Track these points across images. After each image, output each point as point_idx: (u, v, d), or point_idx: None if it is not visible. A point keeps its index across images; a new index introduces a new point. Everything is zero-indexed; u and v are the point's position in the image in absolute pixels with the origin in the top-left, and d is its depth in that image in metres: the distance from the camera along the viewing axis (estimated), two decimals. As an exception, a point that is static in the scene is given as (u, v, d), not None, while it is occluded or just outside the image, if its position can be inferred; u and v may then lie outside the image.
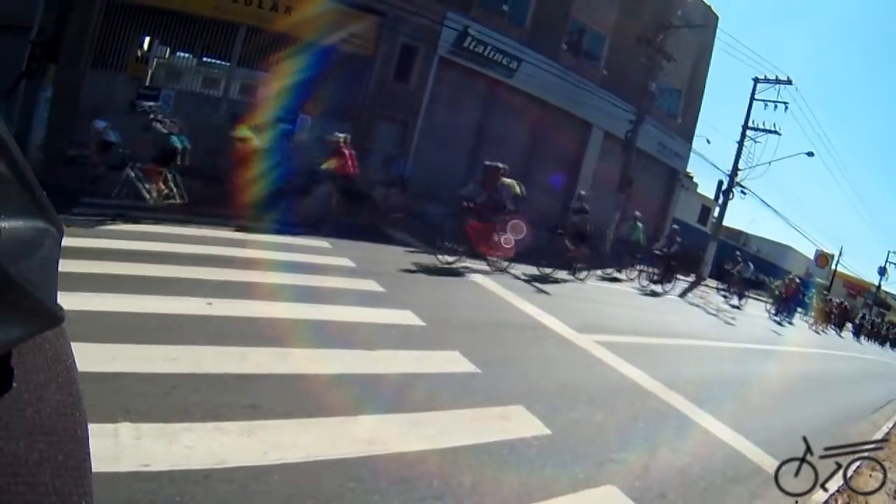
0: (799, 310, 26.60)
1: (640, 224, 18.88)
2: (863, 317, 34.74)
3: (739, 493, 4.69)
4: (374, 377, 4.88)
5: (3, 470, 0.41)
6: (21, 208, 0.43)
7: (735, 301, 21.32)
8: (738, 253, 23.85)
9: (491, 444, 4.11)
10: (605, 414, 5.51)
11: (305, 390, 4.24)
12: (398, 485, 3.33)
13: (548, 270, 13.10)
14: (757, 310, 22.67)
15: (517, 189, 12.06)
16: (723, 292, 22.04)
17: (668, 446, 5.15)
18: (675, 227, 19.22)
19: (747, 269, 22.68)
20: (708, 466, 4.97)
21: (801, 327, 23.18)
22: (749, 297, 23.81)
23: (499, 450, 4.07)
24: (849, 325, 31.85)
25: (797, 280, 24.79)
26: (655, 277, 17.65)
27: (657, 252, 18.56)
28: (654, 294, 16.39)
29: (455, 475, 3.59)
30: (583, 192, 16.12)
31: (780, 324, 21.24)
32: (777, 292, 24.77)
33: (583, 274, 14.68)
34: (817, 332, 24.24)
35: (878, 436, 7.91)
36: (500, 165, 12.14)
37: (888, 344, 34.76)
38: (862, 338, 31.40)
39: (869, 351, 25.51)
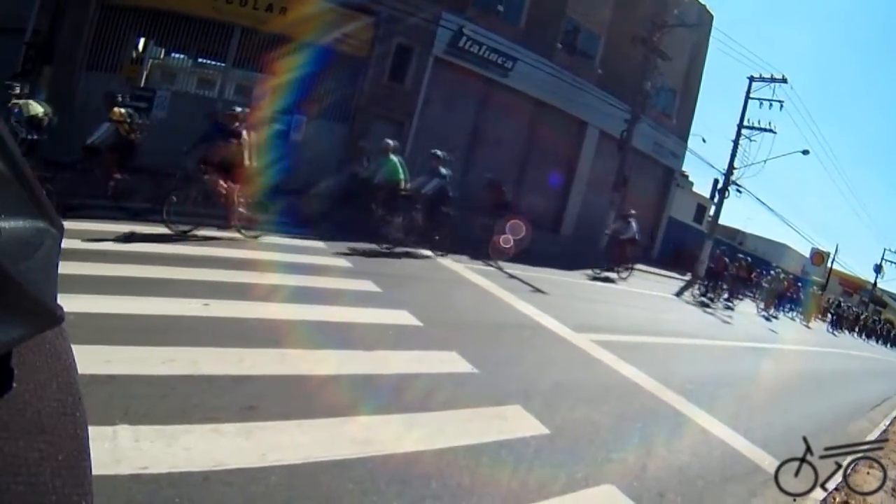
0: (788, 306, 26.76)
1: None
2: (838, 305, 33.27)
3: (738, 492, 4.69)
4: (371, 378, 4.87)
5: (3, 470, 0.41)
6: (21, 208, 0.42)
7: (713, 297, 20.41)
8: (723, 248, 23.72)
9: (489, 444, 4.11)
10: (602, 413, 5.50)
11: (303, 391, 4.24)
12: (396, 485, 3.33)
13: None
14: (749, 307, 22.67)
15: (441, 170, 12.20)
16: (701, 287, 20.86)
17: (666, 445, 5.15)
18: (633, 211, 18.66)
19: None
20: (706, 465, 4.98)
21: (788, 323, 23.12)
22: (743, 296, 23.88)
23: (497, 450, 4.07)
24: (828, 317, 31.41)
25: (782, 274, 25.13)
26: (606, 265, 17.07)
27: (607, 233, 18.51)
28: (607, 280, 16.08)
29: (453, 475, 3.59)
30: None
31: (768, 319, 21.20)
32: (768, 286, 24.65)
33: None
34: (807, 327, 24.60)
35: (876, 433, 7.94)
36: (439, 153, 12.36)
37: (879, 340, 34.06)
38: (843, 330, 30.06)
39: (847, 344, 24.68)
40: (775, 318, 22.68)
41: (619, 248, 17.79)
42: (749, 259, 26.27)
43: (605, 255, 18.10)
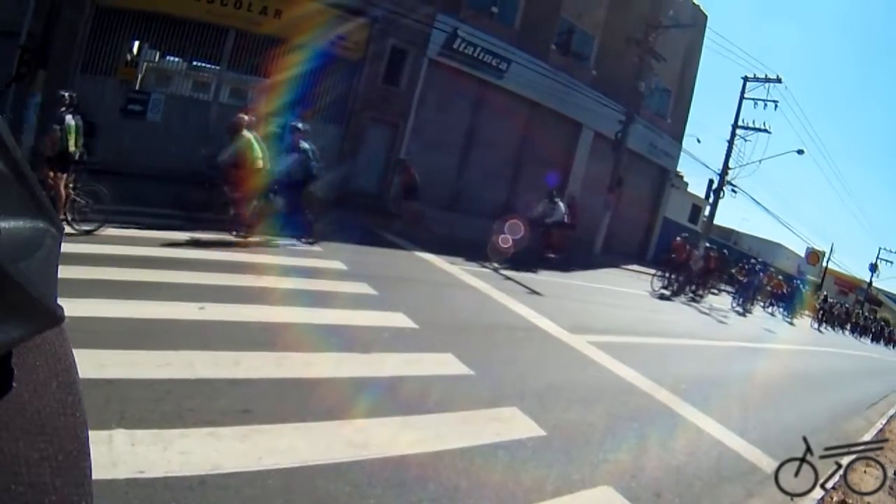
0: (769, 301, 25.97)
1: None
2: (825, 300, 31.84)
3: (735, 492, 4.71)
4: (367, 380, 4.87)
5: (3, 470, 0.41)
6: (21, 208, 0.42)
7: (675, 289, 18.67)
8: (685, 235, 20.64)
9: (485, 446, 4.12)
10: (599, 414, 5.52)
11: (299, 394, 4.23)
12: (393, 488, 3.33)
13: None
14: (724, 302, 21.21)
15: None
16: (662, 279, 18.54)
17: (662, 446, 5.17)
18: (574, 197, 18.00)
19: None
20: (703, 465, 4.99)
21: (767, 319, 22.08)
22: (718, 290, 23.43)
23: (493, 451, 4.08)
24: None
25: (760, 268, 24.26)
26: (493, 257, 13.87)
27: (532, 218, 15.91)
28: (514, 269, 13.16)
29: (450, 477, 3.59)
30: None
31: (743, 314, 20.22)
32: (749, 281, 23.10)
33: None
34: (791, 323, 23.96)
35: (873, 432, 7.97)
36: (299, 125, 11.22)
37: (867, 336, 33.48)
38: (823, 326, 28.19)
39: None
40: (749, 313, 21.14)
41: (546, 235, 16.00)
42: (726, 252, 25.62)
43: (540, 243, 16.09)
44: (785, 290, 26.86)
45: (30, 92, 11.84)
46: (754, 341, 14.16)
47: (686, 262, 19.56)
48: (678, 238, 20.02)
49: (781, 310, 25.72)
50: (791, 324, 24.01)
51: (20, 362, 0.45)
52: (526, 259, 13.44)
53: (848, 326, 32.83)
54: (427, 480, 3.48)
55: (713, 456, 5.32)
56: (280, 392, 4.22)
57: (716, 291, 22.91)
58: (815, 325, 26.98)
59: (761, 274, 23.93)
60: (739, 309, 20.88)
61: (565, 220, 16.59)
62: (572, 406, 5.52)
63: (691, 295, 19.48)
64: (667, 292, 17.91)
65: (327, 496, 3.12)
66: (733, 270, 25.20)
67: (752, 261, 24.50)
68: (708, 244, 24.76)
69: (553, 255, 15.74)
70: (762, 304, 25.40)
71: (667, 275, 18.72)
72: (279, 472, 3.18)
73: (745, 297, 22.13)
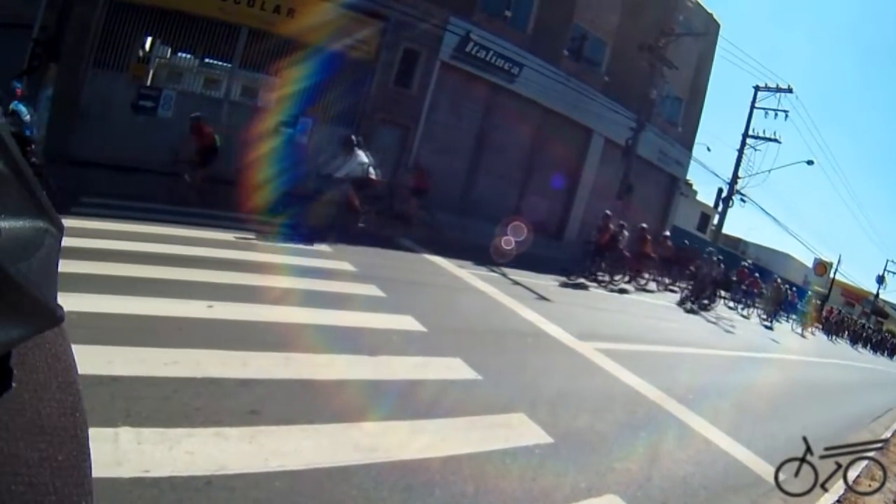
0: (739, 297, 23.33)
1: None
2: (783, 291, 27.36)
3: (741, 503, 4.68)
4: (375, 383, 4.86)
5: (3, 470, 0.41)
6: (21, 208, 0.42)
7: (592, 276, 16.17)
8: (607, 213, 17.71)
9: (493, 452, 4.09)
10: (606, 422, 5.50)
11: (307, 396, 4.22)
12: (400, 492, 3.30)
13: None
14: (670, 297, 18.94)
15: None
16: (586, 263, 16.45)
17: (669, 455, 5.15)
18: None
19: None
20: (709, 475, 4.96)
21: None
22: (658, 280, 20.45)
23: (501, 458, 4.05)
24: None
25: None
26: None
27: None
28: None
29: (457, 483, 3.56)
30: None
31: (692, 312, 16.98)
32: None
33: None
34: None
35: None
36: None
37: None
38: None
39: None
40: (704, 311, 18.14)
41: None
42: (686, 242, 23.77)
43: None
44: (765, 291, 23.99)
45: (42, 85, 11.91)
46: (760, 350, 14.09)
47: (611, 244, 16.70)
48: (605, 213, 17.37)
49: (760, 311, 23.48)
50: (745, 317, 21.69)
51: (20, 362, 0.44)
52: (535, 264, 13.41)
53: (846, 334, 31.95)
54: (434, 486, 3.46)
55: (719, 466, 5.29)
56: (287, 393, 4.21)
57: (657, 281, 20.06)
58: (765, 320, 22.96)
59: (722, 267, 20.72)
60: (690, 306, 17.79)
61: (372, 175, 12.13)
62: (580, 414, 5.49)
63: (623, 283, 17.06)
64: (585, 280, 15.56)
65: (333, 499, 3.10)
66: (692, 268, 20.40)
67: (710, 250, 20.67)
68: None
69: (361, 225, 12.14)
70: (735, 303, 22.90)
71: (590, 260, 16.54)
72: (286, 475, 3.16)
73: (697, 292, 19.03)
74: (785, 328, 23.68)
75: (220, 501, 2.83)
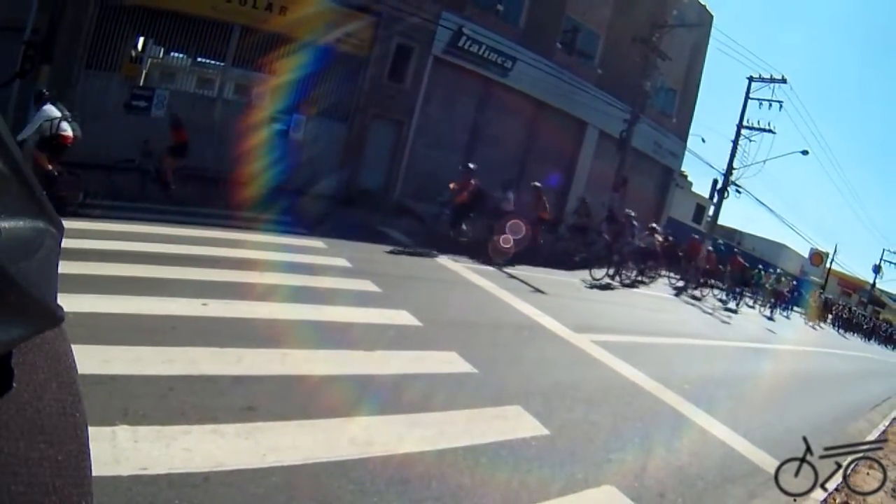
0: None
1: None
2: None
3: (738, 493, 4.69)
4: (371, 378, 4.87)
5: (3, 470, 0.41)
6: (21, 208, 0.42)
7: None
8: (655, 226, 17.73)
9: (489, 445, 4.11)
10: (602, 414, 5.51)
11: (302, 391, 4.23)
12: (397, 486, 3.32)
13: None
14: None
15: None
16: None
17: (666, 446, 5.16)
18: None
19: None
20: (706, 466, 4.98)
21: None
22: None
23: (497, 450, 4.07)
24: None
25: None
26: None
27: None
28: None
29: (454, 476, 3.58)
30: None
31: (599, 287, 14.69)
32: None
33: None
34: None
35: (875, 434, 7.94)
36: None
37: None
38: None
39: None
40: (632, 287, 16.07)
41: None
42: (658, 227, 19.72)
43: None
44: (724, 269, 22.20)
45: (34, 88, 11.85)
46: (759, 341, 14.11)
47: (471, 203, 13.98)
48: (469, 165, 14.44)
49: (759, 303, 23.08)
50: (735, 311, 19.76)
51: (20, 362, 0.45)
52: (530, 258, 13.41)
53: (831, 319, 31.87)
54: (431, 479, 3.48)
55: (717, 457, 5.31)
56: (283, 389, 4.21)
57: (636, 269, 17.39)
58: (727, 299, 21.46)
59: (659, 237, 18.35)
60: (610, 281, 15.39)
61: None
62: (576, 405, 5.51)
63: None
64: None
65: (330, 494, 3.12)
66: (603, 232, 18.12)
67: (630, 213, 18.65)
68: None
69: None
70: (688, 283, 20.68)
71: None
72: (282, 470, 3.18)
73: (617, 261, 16.28)
74: (788, 323, 23.81)
75: (217, 497, 2.84)
